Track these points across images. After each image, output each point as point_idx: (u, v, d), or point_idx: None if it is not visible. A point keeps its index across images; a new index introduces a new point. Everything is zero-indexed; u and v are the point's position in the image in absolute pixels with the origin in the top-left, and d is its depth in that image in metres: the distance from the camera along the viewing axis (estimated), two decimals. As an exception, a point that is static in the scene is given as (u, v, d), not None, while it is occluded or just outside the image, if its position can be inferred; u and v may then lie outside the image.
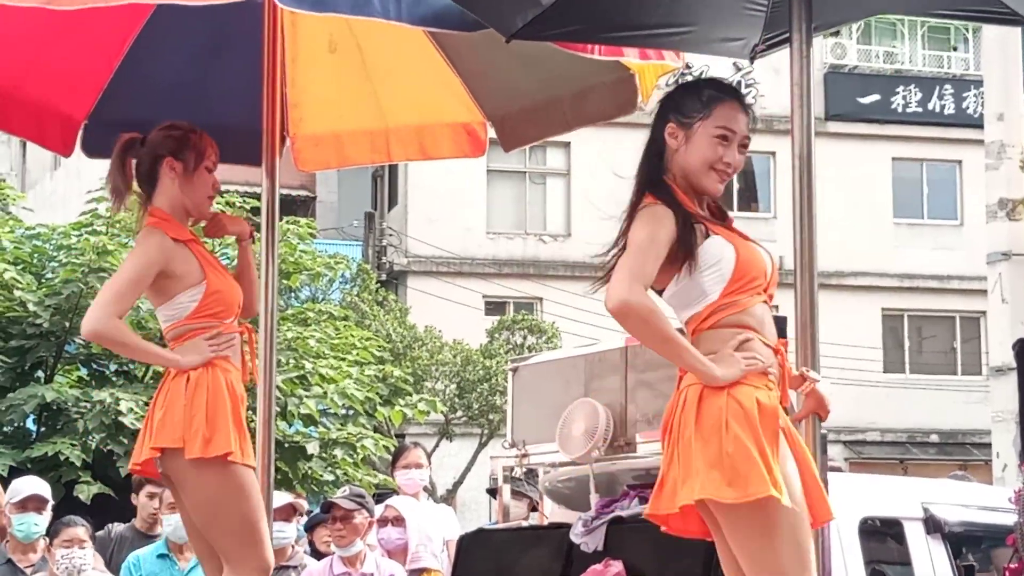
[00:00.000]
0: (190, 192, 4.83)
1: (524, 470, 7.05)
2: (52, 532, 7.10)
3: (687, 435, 3.86)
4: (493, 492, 9.24)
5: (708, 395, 3.86)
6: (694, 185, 4.06)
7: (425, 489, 8.83)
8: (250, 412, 5.08)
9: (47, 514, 7.56)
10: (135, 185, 4.88)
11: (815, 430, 4.52)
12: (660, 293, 4.05)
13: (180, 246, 4.74)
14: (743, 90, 4.18)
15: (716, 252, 3.96)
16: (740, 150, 4.08)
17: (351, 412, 14.99)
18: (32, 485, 7.62)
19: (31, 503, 7.47)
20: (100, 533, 8.21)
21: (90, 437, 13.56)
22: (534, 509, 8.14)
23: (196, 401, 4.60)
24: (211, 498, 4.62)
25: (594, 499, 6.07)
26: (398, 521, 7.65)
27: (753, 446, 3.77)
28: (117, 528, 8.21)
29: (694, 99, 4.07)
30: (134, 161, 4.89)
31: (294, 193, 29.19)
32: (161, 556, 7.32)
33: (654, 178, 4.08)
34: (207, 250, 4.89)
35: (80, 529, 7.06)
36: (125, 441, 13.42)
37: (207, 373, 4.65)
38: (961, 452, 28.13)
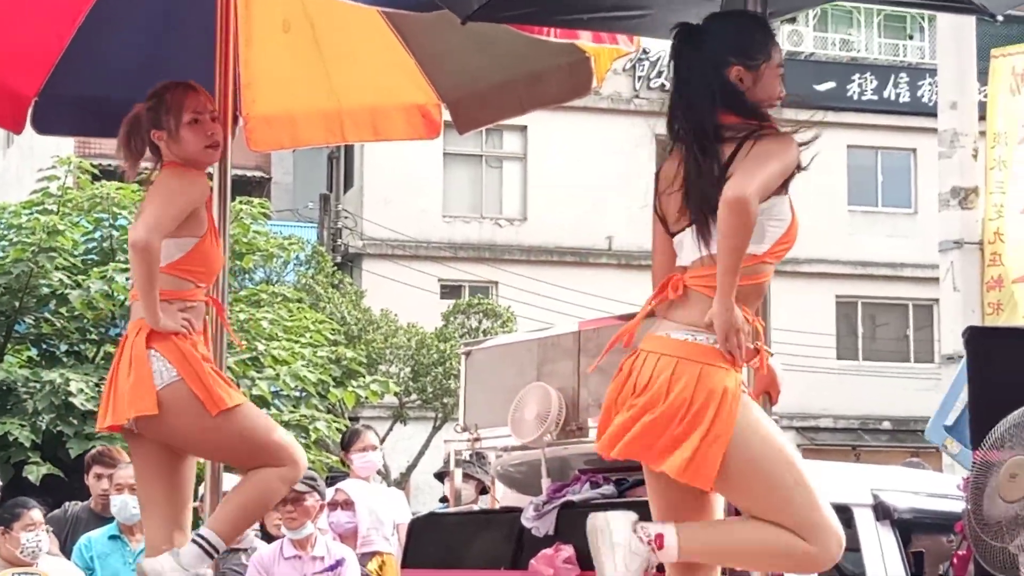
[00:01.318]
0: (183, 151, 4.76)
1: (472, 452, 7.04)
2: (10, 516, 7.05)
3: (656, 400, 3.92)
4: (441, 476, 9.23)
5: (680, 368, 3.90)
6: (761, 118, 4.09)
7: (379, 472, 8.82)
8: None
9: (-6, 495, 7.53)
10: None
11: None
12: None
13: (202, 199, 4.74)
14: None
15: (785, 208, 4.03)
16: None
17: (303, 394, 14.96)
18: (-22, 466, 7.58)
19: None
20: (56, 512, 8.16)
21: (40, 418, 13.47)
22: (483, 491, 8.14)
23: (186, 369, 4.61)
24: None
25: (546, 483, 6.08)
26: (347, 505, 7.64)
27: (710, 433, 3.86)
28: (73, 508, 8.15)
29: (756, 41, 4.13)
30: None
31: (249, 174, 29.09)
32: (112, 538, 7.29)
33: (747, 106, 4.06)
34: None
35: (36, 512, 7.04)
36: (75, 422, 13.35)
37: (182, 341, 4.62)
38: (913, 439, 28.30)
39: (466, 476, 7.88)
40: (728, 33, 4.13)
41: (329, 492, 7.69)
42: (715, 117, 4.02)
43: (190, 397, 4.55)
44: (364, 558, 7.52)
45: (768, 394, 4.27)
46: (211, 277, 4.83)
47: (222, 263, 4.94)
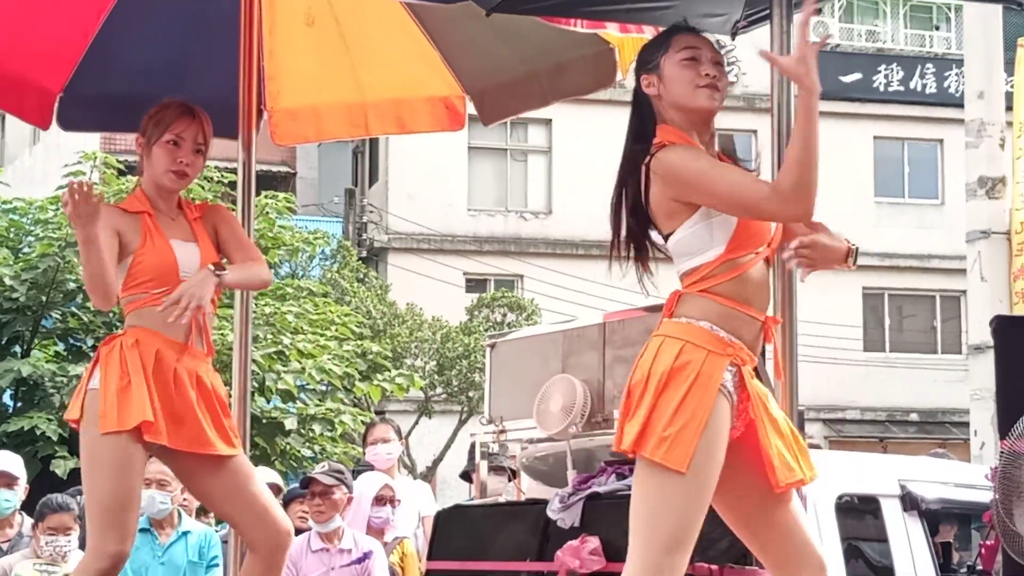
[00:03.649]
0: (149, 166, 4.81)
1: (498, 446, 7.03)
2: (39, 514, 7.07)
3: (638, 380, 3.82)
4: (467, 476, 9.21)
5: (665, 346, 3.81)
6: (691, 113, 3.97)
7: (405, 465, 8.81)
8: (226, 387, 5.08)
9: (19, 489, 7.53)
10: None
11: (793, 407, 4.52)
12: (666, 239, 3.95)
13: (131, 217, 4.73)
14: (724, 67, 4.12)
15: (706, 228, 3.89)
16: (716, 66, 3.99)
17: (329, 387, 14.99)
18: (0, 461, 7.58)
19: (0, 479, 7.44)
20: None
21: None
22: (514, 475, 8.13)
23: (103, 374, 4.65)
24: (84, 470, 4.64)
25: (571, 475, 6.07)
26: (393, 502, 7.64)
27: (682, 414, 3.72)
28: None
29: (651, 47, 4.06)
30: None
31: (274, 169, 29.13)
32: (143, 531, 7.27)
33: (649, 131, 4.03)
34: (189, 224, 4.82)
35: (66, 516, 7.00)
36: (102, 416, 13.37)
37: (127, 349, 4.64)
38: (940, 431, 28.23)
39: (496, 468, 7.85)
40: (638, 56, 4.11)
41: (375, 485, 7.67)
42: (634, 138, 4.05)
43: (95, 407, 4.57)
44: (387, 547, 7.53)
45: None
46: (164, 280, 4.70)
47: (175, 261, 4.75)
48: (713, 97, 3.97)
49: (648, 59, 4.03)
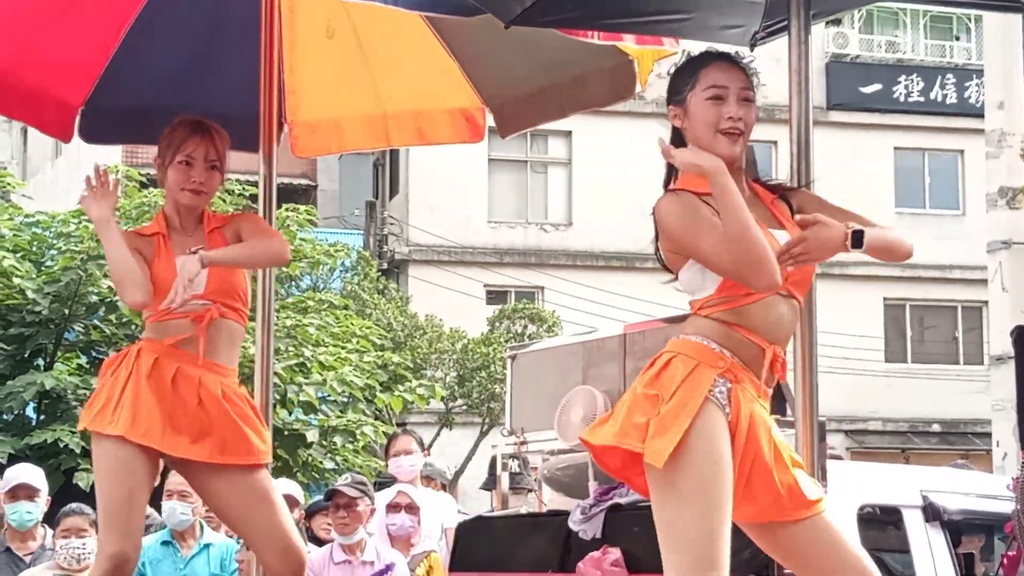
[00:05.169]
0: (167, 186, 4.90)
1: (520, 463, 7.03)
2: (56, 521, 7.11)
3: (640, 387, 3.80)
4: (490, 488, 9.22)
5: (658, 361, 3.82)
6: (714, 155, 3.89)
7: (426, 477, 8.82)
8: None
9: (41, 501, 7.55)
10: None
11: (814, 418, 4.51)
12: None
13: (147, 240, 4.83)
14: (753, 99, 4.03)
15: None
16: (743, 104, 3.93)
17: (350, 399, 15.01)
18: (22, 473, 7.61)
19: (21, 491, 7.48)
20: None
21: (90, 425, 13.54)
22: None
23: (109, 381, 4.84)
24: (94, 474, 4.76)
25: (592, 486, 6.07)
26: (411, 508, 7.64)
27: (675, 415, 3.68)
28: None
29: (682, 75, 3.99)
30: None
31: (295, 181, 29.18)
32: (165, 543, 7.30)
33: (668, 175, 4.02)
34: (205, 236, 4.86)
35: (80, 518, 7.03)
36: (125, 429, 13.39)
37: (132, 358, 4.82)
38: (963, 441, 28.12)
39: (518, 489, 7.83)
40: (670, 81, 4.03)
41: (387, 495, 7.69)
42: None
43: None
44: (414, 559, 7.54)
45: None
46: (158, 295, 4.76)
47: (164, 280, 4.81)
48: (734, 144, 3.90)
49: (676, 89, 3.97)
